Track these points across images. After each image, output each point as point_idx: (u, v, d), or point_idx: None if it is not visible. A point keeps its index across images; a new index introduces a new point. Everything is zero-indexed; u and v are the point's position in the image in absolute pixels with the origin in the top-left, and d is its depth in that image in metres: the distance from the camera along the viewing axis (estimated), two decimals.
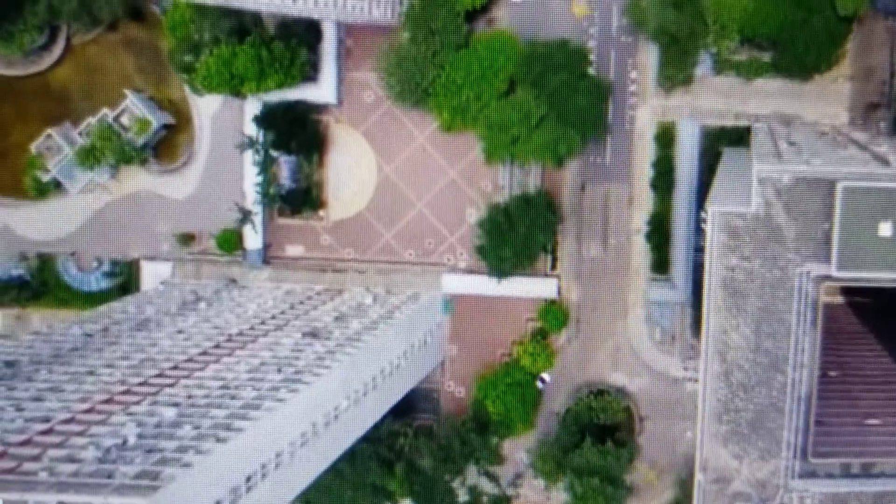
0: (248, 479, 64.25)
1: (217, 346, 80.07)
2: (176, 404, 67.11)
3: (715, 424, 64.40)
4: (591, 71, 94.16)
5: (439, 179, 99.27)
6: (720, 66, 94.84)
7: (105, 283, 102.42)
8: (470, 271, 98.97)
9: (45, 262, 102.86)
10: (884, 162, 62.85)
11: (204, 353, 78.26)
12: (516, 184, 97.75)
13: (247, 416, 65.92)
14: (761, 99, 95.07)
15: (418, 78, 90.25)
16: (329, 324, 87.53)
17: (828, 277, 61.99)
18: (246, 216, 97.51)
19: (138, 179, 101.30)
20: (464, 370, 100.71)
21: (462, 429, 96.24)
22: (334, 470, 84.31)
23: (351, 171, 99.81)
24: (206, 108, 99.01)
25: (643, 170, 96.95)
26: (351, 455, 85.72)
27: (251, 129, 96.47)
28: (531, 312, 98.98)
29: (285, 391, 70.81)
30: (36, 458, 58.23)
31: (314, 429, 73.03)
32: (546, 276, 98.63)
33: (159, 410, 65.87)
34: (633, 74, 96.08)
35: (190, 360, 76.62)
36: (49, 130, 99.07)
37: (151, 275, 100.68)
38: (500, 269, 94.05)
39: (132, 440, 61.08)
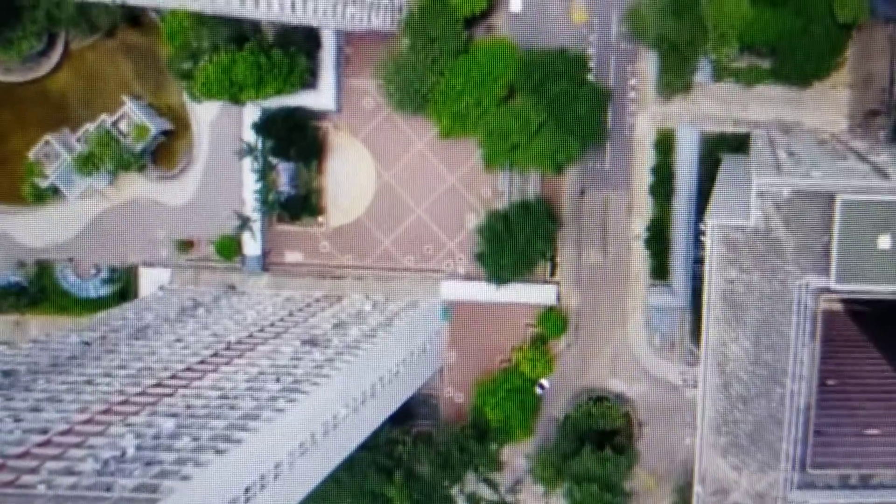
0: (247, 490, 64.18)
1: (215, 355, 79.93)
2: (174, 415, 66.97)
3: (714, 436, 64.40)
4: (591, 78, 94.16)
5: (438, 186, 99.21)
6: (719, 72, 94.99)
7: (103, 290, 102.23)
8: (469, 278, 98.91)
9: (44, 269, 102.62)
10: (883, 174, 62.80)
11: (202, 362, 78.10)
12: (516, 190, 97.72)
13: (246, 427, 65.81)
14: (761, 106, 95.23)
15: (417, 85, 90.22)
16: (328, 331, 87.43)
17: (827, 290, 61.98)
18: (245, 223, 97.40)
19: (137, 186, 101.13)
20: (463, 376, 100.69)
21: (461, 435, 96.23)
22: (333, 478, 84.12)
23: (350, 177, 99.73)
24: (205, 114, 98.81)
25: (642, 176, 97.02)
26: (349, 462, 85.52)
27: (250, 136, 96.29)
28: (530, 319, 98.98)
29: (284, 401, 70.71)
30: (34, 471, 58.07)
31: (313, 438, 72.97)
32: (545, 282, 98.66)
33: (158, 421, 65.72)
34: (633, 81, 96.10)
35: (188, 369, 76.46)
36: (47, 137, 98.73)
37: (150, 281, 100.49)
38: (499, 276, 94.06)
39: (131, 452, 60.89)
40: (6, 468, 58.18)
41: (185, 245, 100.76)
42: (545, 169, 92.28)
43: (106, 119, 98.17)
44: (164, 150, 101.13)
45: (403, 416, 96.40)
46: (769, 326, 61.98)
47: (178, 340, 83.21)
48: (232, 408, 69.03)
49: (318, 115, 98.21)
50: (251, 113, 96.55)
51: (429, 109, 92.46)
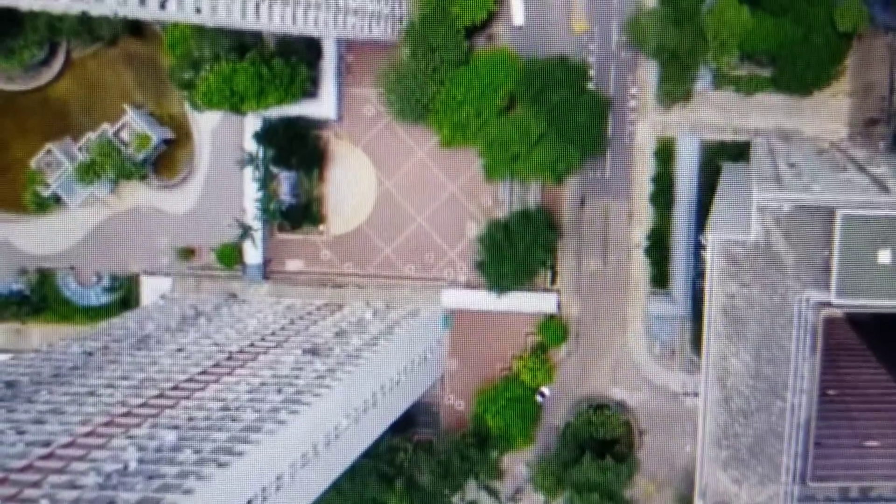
0: (250, 502, 64.33)
1: (217, 365, 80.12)
2: (176, 427, 67.14)
3: (715, 449, 64.56)
4: (591, 86, 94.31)
5: (439, 194, 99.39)
6: (720, 81, 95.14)
7: (105, 298, 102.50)
8: (469, 286, 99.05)
9: (45, 277, 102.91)
10: (882, 187, 62.95)
11: (204, 373, 78.30)
12: (516, 199, 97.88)
13: (247, 440, 65.98)
14: (761, 114, 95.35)
15: (418, 94, 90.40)
16: (329, 340, 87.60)
17: (827, 304, 62.17)
18: (246, 231, 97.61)
19: (138, 194, 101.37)
20: (463, 384, 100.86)
21: (462, 443, 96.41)
22: (334, 486, 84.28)
23: (351, 186, 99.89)
24: (206, 123, 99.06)
25: (643, 185, 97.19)
26: (350, 471, 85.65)
27: (251, 146, 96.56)
28: (531, 327, 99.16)
29: (286, 412, 70.89)
30: (36, 485, 58.24)
31: (315, 449, 73.18)
32: (546, 290, 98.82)
33: (160, 434, 65.89)
34: (633, 90, 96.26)
35: (190, 379, 76.65)
36: (49, 145, 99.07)
37: (151, 289, 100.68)
38: (499, 285, 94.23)
39: (133, 465, 61.09)
40: (8, 482, 58.33)
41: (187, 253, 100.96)
42: (545, 179, 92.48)
43: (107, 128, 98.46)
44: (166, 159, 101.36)
45: (404, 423, 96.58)
46: (770, 340, 62.15)
47: (180, 350, 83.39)
48: (234, 420, 69.21)
49: (319, 123, 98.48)
50: (252, 122, 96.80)
51: (429, 119, 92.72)
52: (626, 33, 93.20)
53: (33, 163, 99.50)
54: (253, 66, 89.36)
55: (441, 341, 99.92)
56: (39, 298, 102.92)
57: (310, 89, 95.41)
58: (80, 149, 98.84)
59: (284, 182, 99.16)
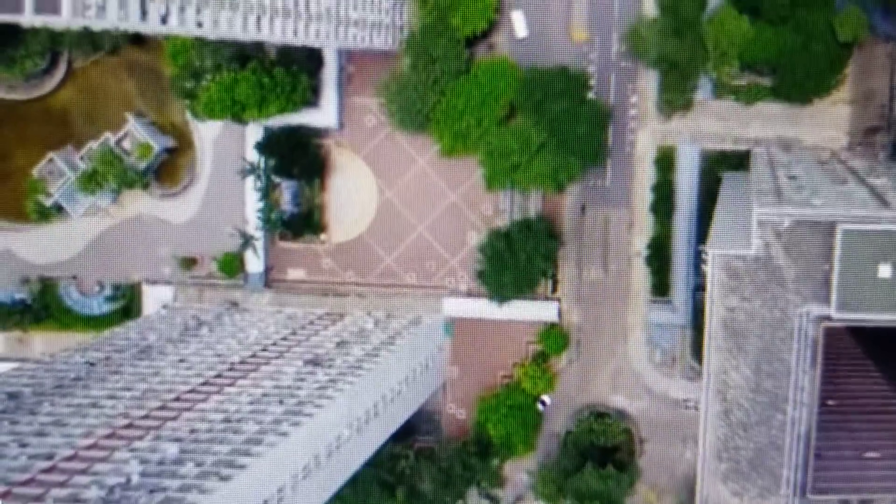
0: None
1: (219, 376, 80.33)
2: (179, 439, 67.32)
3: (715, 462, 64.75)
4: (591, 95, 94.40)
5: (440, 203, 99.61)
6: (720, 90, 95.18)
7: (107, 307, 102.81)
8: (471, 294, 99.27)
9: (47, 286, 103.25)
10: (882, 201, 63.10)
11: (206, 383, 78.51)
12: (517, 208, 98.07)
13: (249, 452, 66.08)
14: (761, 123, 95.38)
15: (419, 105, 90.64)
16: (331, 350, 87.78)
17: (827, 318, 62.32)
18: (247, 241, 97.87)
19: (140, 203, 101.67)
20: (465, 392, 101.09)
21: (463, 451, 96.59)
22: (335, 495, 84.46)
23: (352, 194, 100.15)
24: (208, 132, 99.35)
25: (643, 193, 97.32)
26: (352, 479, 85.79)
27: (253, 156, 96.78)
28: (532, 335, 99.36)
29: (288, 424, 71.02)
30: (39, 499, 58.40)
31: (316, 461, 73.30)
32: (547, 299, 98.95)
33: (162, 446, 66.05)
34: (634, 99, 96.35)
35: (192, 390, 76.85)
36: (51, 154, 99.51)
37: (153, 298, 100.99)
38: (500, 294, 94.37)
39: (136, 479, 61.23)
40: (11, 495, 58.50)
41: (189, 262, 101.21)
42: (546, 188, 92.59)
43: (109, 137, 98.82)
44: (168, 168, 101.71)
45: (406, 431, 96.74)
46: (770, 354, 62.35)
47: (182, 361, 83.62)
48: (236, 432, 69.37)
49: (321, 132, 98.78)
50: (254, 131, 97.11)
51: (430, 128, 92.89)
52: (627, 43, 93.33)
53: (35, 172, 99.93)
54: (254, 76, 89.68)
55: (442, 349, 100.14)
56: (41, 307, 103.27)
57: (311, 99, 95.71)
58: (81, 158, 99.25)
59: (286, 191, 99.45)
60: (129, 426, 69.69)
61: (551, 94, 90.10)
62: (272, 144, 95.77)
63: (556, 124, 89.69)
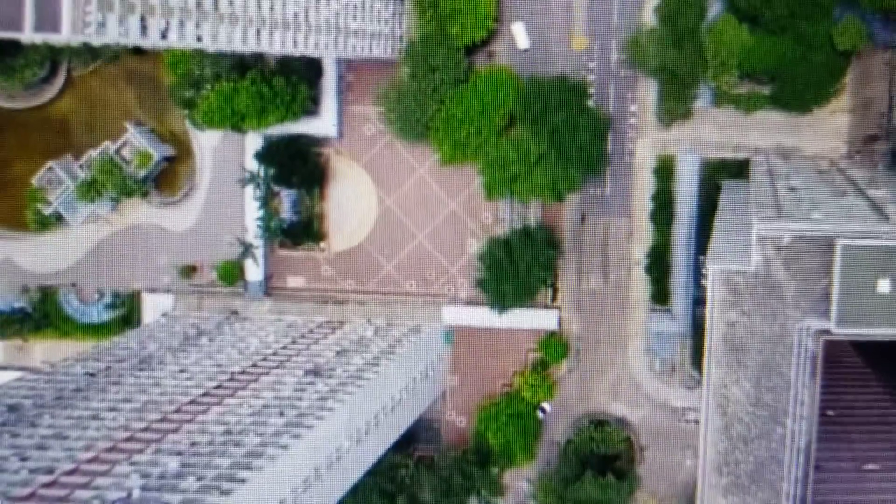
0: None
1: (219, 387, 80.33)
2: (179, 453, 67.29)
3: (715, 476, 64.86)
4: (591, 104, 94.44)
5: (440, 211, 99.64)
6: (719, 99, 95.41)
7: (107, 315, 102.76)
8: (471, 303, 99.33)
9: (47, 295, 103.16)
10: (882, 214, 63.21)
11: (206, 394, 78.52)
12: (516, 216, 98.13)
13: (250, 466, 66.12)
14: (760, 131, 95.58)
15: (419, 114, 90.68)
16: (331, 359, 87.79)
17: (827, 332, 62.44)
18: (247, 249, 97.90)
19: (139, 211, 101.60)
20: (465, 400, 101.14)
21: (463, 460, 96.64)
22: None
23: (352, 203, 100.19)
24: (207, 141, 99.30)
25: (643, 202, 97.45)
26: (352, 488, 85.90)
27: (252, 165, 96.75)
28: (532, 343, 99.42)
29: (288, 436, 71.02)
30: None
31: (317, 472, 73.33)
32: (547, 307, 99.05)
33: (163, 460, 66.06)
34: (633, 107, 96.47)
35: (192, 401, 76.85)
36: (50, 163, 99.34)
37: (153, 307, 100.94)
38: (500, 303, 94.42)
39: (136, 493, 61.18)
40: None
41: (188, 270, 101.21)
42: (546, 198, 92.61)
43: (109, 145, 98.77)
44: (167, 177, 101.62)
45: (406, 440, 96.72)
46: (770, 368, 62.48)
47: (182, 371, 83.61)
48: (237, 444, 69.37)
49: (320, 141, 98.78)
50: (253, 139, 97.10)
51: (430, 137, 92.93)
52: (626, 53, 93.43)
53: (35, 181, 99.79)
54: (254, 85, 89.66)
55: (442, 358, 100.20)
56: (41, 316, 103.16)
57: (310, 107, 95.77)
58: (81, 166, 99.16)
59: (285, 200, 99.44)
60: (129, 439, 69.70)
61: (551, 104, 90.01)
62: (272, 153, 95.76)
63: (556, 135, 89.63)
